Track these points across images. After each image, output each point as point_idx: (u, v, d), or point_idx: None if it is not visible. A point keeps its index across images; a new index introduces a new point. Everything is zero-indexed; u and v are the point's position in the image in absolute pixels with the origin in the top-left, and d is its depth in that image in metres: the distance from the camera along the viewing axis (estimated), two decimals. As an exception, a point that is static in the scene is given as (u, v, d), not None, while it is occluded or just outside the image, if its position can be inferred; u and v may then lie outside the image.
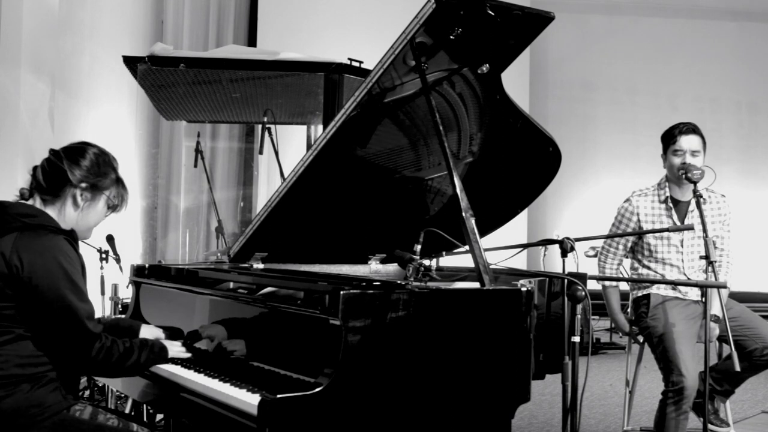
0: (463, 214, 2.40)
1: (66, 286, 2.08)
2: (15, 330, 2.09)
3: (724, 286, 3.28)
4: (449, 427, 2.14)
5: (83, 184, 2.24)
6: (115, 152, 2.40)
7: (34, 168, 2.27)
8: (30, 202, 2.24)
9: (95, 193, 2.27)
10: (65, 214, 2.24)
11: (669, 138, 3.59)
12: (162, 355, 2.34)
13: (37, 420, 2.09)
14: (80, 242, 3.61)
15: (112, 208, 2.34)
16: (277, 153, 4.51)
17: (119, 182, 2.34)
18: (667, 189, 3.60)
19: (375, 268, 3.35)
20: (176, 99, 4.73)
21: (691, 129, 3.56)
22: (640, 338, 3.70)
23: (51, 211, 2.22)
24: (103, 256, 4.15)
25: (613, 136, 9.61)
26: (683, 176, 3.41)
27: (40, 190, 2.23)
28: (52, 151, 2.28)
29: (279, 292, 2.39)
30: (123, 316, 3.56)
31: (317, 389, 1.93)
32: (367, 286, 2.12)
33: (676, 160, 3.53)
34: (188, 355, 2.44)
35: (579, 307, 2.45)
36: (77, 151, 2.27)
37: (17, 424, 2.07)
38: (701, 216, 3.19)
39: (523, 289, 2.29)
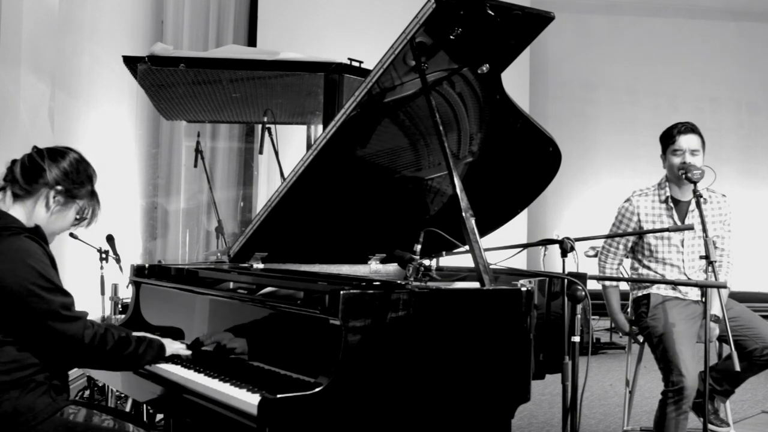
0: (463, 214, 2.40)
1: (38, 284, 2.05)
2: None
3: (724, 286, 3.28)
4: (449, 427, 2.14)
5: (58, 187, 2.21)
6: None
7: (13, 161, 2.24)
8: (0, 195, 2.21)
9: (68, 199, 2.24)
10: (35, 213, 2.20)
11: (668, 138, 3.59)
12: (161, 353, 2.32)
13: (29, 426, 2.06)
14: (81, 242, 3.59)
15: (81, 220, 2.30)
16: (277, 153, 4.51)
17: (94, 195, 2.31)
18: (667, 189, 3.60)
19: (375, 268, 3.35)
20: (176, 99, 4.73)
21: (690, 128, 3.56)
22: (640, 338, 3.70)
23: (20, 208, 2.19)
24: (103, 256, 4.15)
25: (613, 136, 9.61)
26: (683, 176, 3.41)
27: (14, 184, 2.20)
28: (35, 149, 2.25)
29: (279, 292, 2.40)
30: (122, 316, 3.56)
31: (317, 389, 1.93)
32: (367, 286, 2.12)
33: (676, 160, 3.53)
34: (188, 352, 2.42)
35: (579, 307, 2.45)
36: (59, 152, 2.25)
37: (9, 431, 2.05)
38: (701, 216, 3.19)
39: (523, 289, 2.29)
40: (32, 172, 2.20)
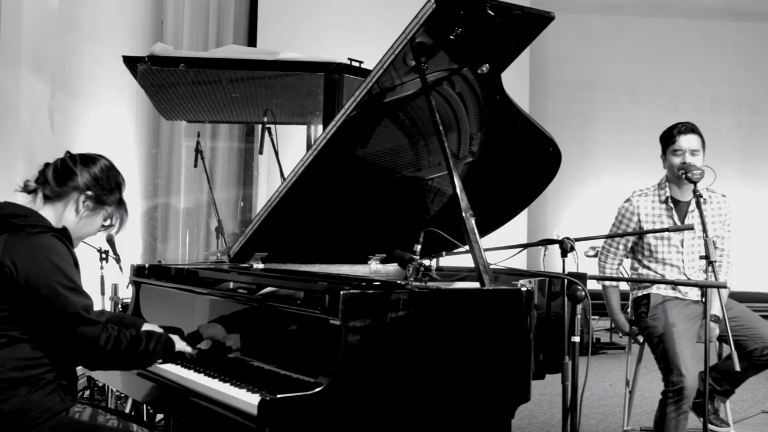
0: (463, 214, 2.40)
1: (62, 283, 2.08)
2: (9, 333, 2.08)
3: (724, 286, 3.28)
4: (449, 427, 2.14)
5: (88, 192, 2.25)
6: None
7: (46, 164, 2.29)
8: (30, 197, 2.25)
9: (97, 205, 2.28)
10: (64, 216, 2.24)
11: (668, 138, 3.58)
12: (168, 347, 2.33)
13: (36, 423, 2.08)
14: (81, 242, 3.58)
15: (108, 227, 2.35)
16: (277, 153, 4.51)
17: (122, 204, 2.36)
18: (667, 189, 3.60)
19: (375, 268, 3.35)
20: (176, 99, 4.73)
21: (690, 128, 3.56)
22: (640, 338, 3.70)
23: (50, 210, 2.23)
24: (103, 256, 4.15)
25: (613, 136, 9.61)
26: (683, 176, 3.41)
27: (45, 186, 2.25)
28: (68, 153, 2.31)
29: (279, 292, 2.39)
30: (123, 316, 3.55)
31: (317, 389, 1.93)
32: (367, 286, 2.12)
33: (676, 160, 3.53)
34: (192, 350, 2.43)
35: (579, 307, 2.45)
36: (90, 158, 2.31)
37: (16, 427, 2.06)
38: (701, 216, 3.19)
39: (523, 289, 2.29)
40: (64, 175, 2.25)
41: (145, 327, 2.56)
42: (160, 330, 2.56)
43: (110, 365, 2.29)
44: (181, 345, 2.40)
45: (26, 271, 2.05)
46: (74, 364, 2.24)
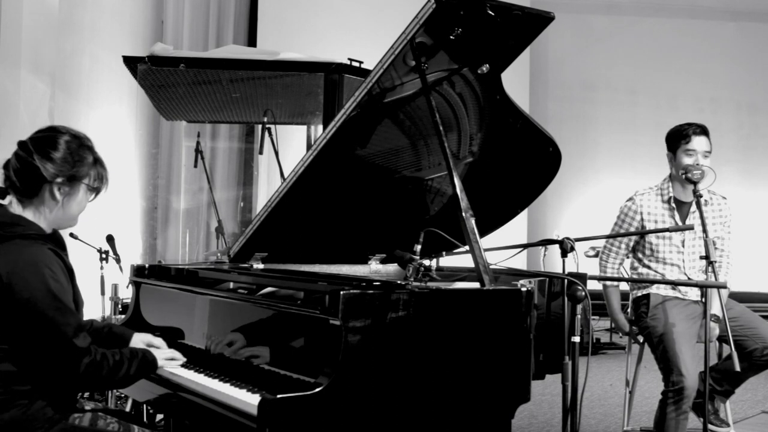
0: (463, 214, 2.40)
1: (50, 304, 1.98)
2: (2, 346, 2.00)
3: (724, 286, 3.28)
4: (449, 427, 2.14)
5: (59, 179, 2.09)
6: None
7: (5, 166, 2.11)
8: (6, 201, 2.13)
9: (73, 183, 2.12)
10: (45, 212, 2.11)
11: (681, 137, 3.53)
12: (151, 367, 2.27)
13: None
14: (81, 242, 3.58)
15: (94, 191, 2.19)
16: (277, 153, 4.51)
17: (97, 163, 2.18)
18: (670, 189, 3.59)
19: (375, 268, 3.35)
20: (176, 99, 4.72)
21: (704, 130, 3.55)
22: (640, 338, 3.70)
23: (29, 212, 2.10)
24: (103, 256, 4.15)
25: (613, 136, 9.62)
26: (683, 176, 3.41)
27: (15, 189, 2.11)
28: (20, 144, 2.11)
29: (279, 292, 2.40)
30: (123, 316, 3.56)
31: (317, 389, 1.93)
32: (367, 286, 2.12)
33: (688, 160, 3.50)
34: (179, 362, 2.38)
35: (579, 307, 2.45)
36: (47, 141, 2.11)
37: None
38: (701, 216, 3.19)
39: (523, 289, 2.29)
40: (26, 173, 2.08)
41: (135, 337, 2.47)
42: (151, 336, 2.50)
43: (86, 388, 2.23)
44: (163, 360, 2.32)
45: (11, 285, 1.96)
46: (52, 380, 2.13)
